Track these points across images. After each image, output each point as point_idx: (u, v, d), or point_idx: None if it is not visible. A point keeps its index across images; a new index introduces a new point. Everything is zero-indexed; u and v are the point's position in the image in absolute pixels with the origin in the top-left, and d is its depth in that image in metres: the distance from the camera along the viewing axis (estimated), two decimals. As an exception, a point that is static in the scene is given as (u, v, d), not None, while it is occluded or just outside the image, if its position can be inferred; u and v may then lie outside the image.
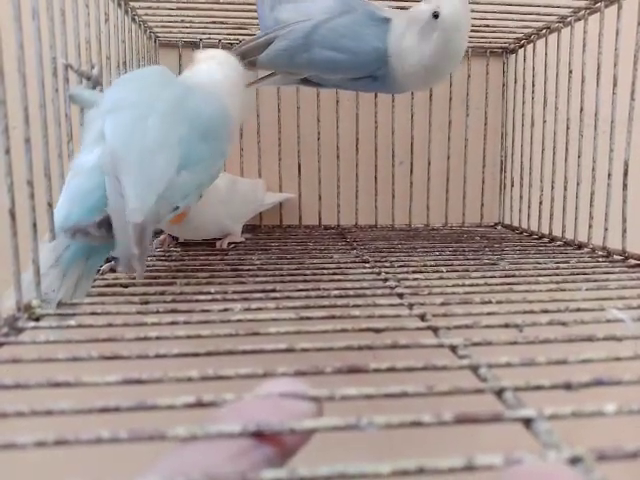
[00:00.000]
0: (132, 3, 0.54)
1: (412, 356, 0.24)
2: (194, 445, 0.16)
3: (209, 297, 0.32)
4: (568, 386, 0.19)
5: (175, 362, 0.23)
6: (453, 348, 0.24)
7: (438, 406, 0.25)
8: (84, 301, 0.33)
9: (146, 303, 0.31)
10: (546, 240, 0.60)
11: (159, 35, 0.65)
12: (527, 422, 0.17)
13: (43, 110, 0.32)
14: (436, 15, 0.45)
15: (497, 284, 0.37)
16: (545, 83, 0.61)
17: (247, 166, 0.68)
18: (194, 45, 0.66)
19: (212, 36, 0.65)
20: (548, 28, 0.61)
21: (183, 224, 0.51)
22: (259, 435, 0.16)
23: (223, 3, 0.54)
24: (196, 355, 0.22)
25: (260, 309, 0.30)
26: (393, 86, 0.51)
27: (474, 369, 0.22)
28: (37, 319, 0.30)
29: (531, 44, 0.65)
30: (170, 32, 0.64)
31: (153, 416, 0.19)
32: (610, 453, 0.15)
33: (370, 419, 0.16)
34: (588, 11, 0.54)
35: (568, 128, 0.57)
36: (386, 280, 0.38)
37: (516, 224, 0.67)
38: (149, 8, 0.56)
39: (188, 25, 0.61)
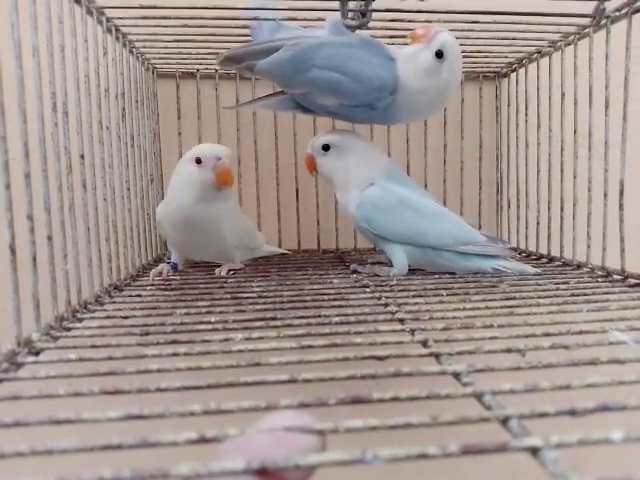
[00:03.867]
0: (130, 36, 0.55)
1: (415, 384, 0.24)
2: (197, 483, 0.16)
3: (209, 327, 0.32)
4: (573, 412, 0.19)
5: (177, 395, 0.23)
6: (456, 375, 0.24)
7: (443, 434, 0.24)
8: (84, 334, 0.33)
9: (146, 334, 0.31)
10: (545, 260, 0.60)
11: (157, 66, 0.66)
12: (534, 451, 0.17)
13: (43, 144, 0.32)
14: (439, 54, 0.48)
15: (498, 307, 0.37)
16: (538, 106, 0.62)
17: (245, 192, 0.68)
18: (191, 75, 0.67)
19: (209, 67, 0.66)
20: (539, 52, 0.62)
21: (192, 233, 0.54)
22: (263, 471, 0.16)
23: (219, 35, 0.55)
24: (198, 388, 0.22)
25: (261, 338, 0.29)
26: (392, 117, 0.52)
27: (478, 397, 0.21)
28: (37, 353, 0.30)
29: (523, 68, 0.66)
30: (167, 63, 0.65)
31: (155, 452, 0.19)
32: (619, 483, 0.14)
33: (375, 452, 0.16)
34: (577, 36, 0.55)
35: (562, 149, 0.57)
36: (387, 305, 0.38)
37: (514, 245, 0.67)
38: (146, 40, 0.57)
39: (185, 56, 0.62)
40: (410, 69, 0.49)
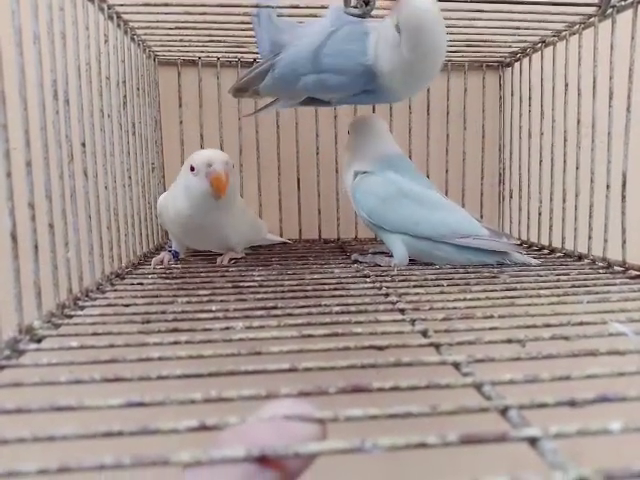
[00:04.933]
0: (131, 23, 0.55)
1: (415, 373, 0.24)
2: (197, 470, 0.16)
3: (210, 315, 0.32)
4: (572, 403, 0.19)
5: (178, 383, 0.23)
6: (456, 365, 0.24)
7: (442, 424, 0.25)
8: (86, 321, 0.33)
9: (148, 322, 0.31)
10: (546, 251, 0.60)
11: (158, 54, 0.66)
12: (533, 441, 0.17)
13: (44, 132, 0.32)
14: (398, 29, 0.45)
15: (498, 298, 0.37)
16: (542, 96, 0.61)
17: (246, 181, 0.68)
18: (193, 63, 0.67)
19: (210, 54, 0.65)
20: (543, 42, 0.61)
21: (194, 233, 0.53)
22: (263, 459, 0.16)
23: (221, 22, 0.55)
24: (199, 376, 0.22)
25: (262, 327, 0.29)
26: (387, 96, 0.52)
27: (478, 387, 0.21)
28: (39, 340, 0.30)
29: (527, 58, 0.65)
30: (169, 51, 0.65)
31: (156, 440, 0.19)
32: (618, 473, 0.15)
33: (375, 441, 0.16)
34: (582, 26, 0.54)
35: (565, 140, 0.57)
36: (387, 295, 0.38)
37: (516, 236, 0.67)
38: (148, 28, 0.56)
39: (187, 44, 0.62)
40: (380, 43, 0.47)
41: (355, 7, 0.48)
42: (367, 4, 0.47)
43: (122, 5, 0.50)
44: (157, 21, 0.54)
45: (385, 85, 0.49)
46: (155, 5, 0.50)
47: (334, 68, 0.48)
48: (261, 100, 0.59)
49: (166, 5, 0.50)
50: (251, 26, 0.56)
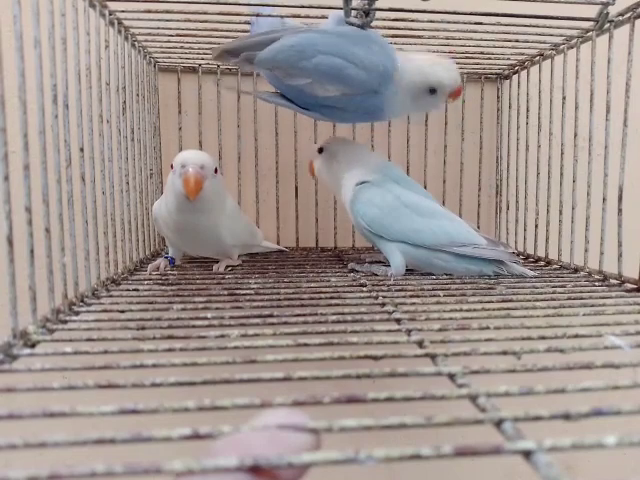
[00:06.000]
0: (132, 30, 0.55)
1: (410, 384, 0.24)
2: (190, 479, 0.16)
3: (206, 322, 0.32)
4: (567, 416, 0.19)
5: (171, 391, 0.23)
6: (451, 376, 0.24)
7: (437, 435, 0.24)
8: (80, 327, 0.33)
9: (142, 329, 0.31)
10: (542, 263, 0.60)
11: (159, 60, 0.66)
12: (527, 454, 0.17)
13: (43, 137, 0.32)
14: (433, 91, 0.49)
15: (494, 309, 0.37)
16: (539, 108, 0.62)
17: (244, 189, 0.68)
18: (193, 70, 0.67)
19: (211, 62, 0.66)
20: (541, 55, 0.62)
21: (187, 236, 0.53)
22: (256, 469, 0.16)
23: (222, 30, 0.55)
24: (192, 384, 0.22)
25: (257, 335, 0.29)
26: (391, 108, 0.51)
27: (473, 398, 0.21)
28: (33, 345, 0.30)
29: (525, 70, 0.66)
30: (169, 57, 0.65)
31: (149, 447, 0.19)
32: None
33: (369, 452, 0.16)
34: (580, 40, 0.55)
35: (562, 152, 0.57)
36: (384, 305, 0.38)
37: (512, 247, 0.67)
38: (149, 34, 0.57)
39: (187, 51, 0.62)
40: (406, 77, 0.50)
41: (355, 17, 0.48)
42: (367, 15, 0.48)
43: (123, 11, 0.50)
44: (158, 28, 0.54)
45: (396, 95, 0.50)
46: (156, 12, 0.50)
47: (358, 58, 0.47)
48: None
49: (167, 12, 0.50)
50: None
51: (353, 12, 0.48)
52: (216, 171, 0.51)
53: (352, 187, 0.55)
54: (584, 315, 0.35)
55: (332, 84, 0.49)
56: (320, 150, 0.59)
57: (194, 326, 0.32)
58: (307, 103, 0.52)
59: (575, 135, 0.55)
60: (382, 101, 0.50)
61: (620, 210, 0.49)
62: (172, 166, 0.50)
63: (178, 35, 0.57)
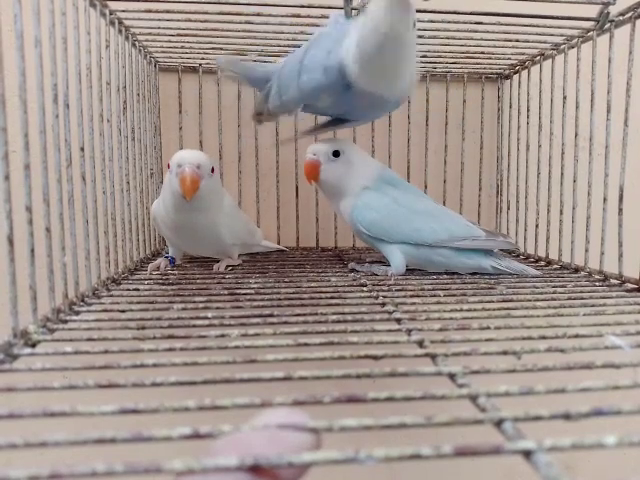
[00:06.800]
0: (133, 29, 0.55)
1: (410, 384, 0.24)
2: (190, 478, 0.16)
3: (206, 322, 0.32)
4: (567, 416, 0.19)
5: (172, 390, 0.23)
6: (452, 376, 0.24)
7: (437, 434, 0.24)
8: (81, 326, 0.33)
9: (143, 329, 0.31)
10: (543, 263, 0.60)
11: (159, 60, 0.66)
12: (527, 454, 0.17)
13: (43, 136, 0.32)
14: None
15: (495, 309, 0.37)
16: (540, 108, 0.62)
17: (245, 188, 0.68)
18: (194, 70, 0.67)
19: (211, 62, 0.66)
20: (542, 55, 0.62)
21: (186, 235, 0.53)
22: (256, 468, 0.16)
23: (222, 30, 0.55)
24: (193, 384, 0.22)
25: (257, 335, 0.29)
26: (358, 93, 0.45)
27: (473, 398, 0.21)
28: (33, 345, 0.30)
29: (525, 70, 0.66)
30: (170, 57, 0.65)
31: (149, 447, 0.19)
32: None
33: (369, 452, 0.16)
34: (581, 39, 0.55)
35: (563, 152, 0.57)
36: (384, 304, 0.38)
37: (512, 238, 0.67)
38: (149, 34, 0.57)
39: (188, 51, 0.62)
40: (351, 45, 0.42)
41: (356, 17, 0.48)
42: (368, 14, 0.48)
43: (124, 11, 0.50)
44: (158, 28, 0.54)
45: (357, 82, 0.44)
46: (157, 12, 0.50)
47: (307, 68, 0.46)
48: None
49: (168, 12, 0.50)
50: (252, 34, 0.56)
51: (354, 12, 0.48)
52: (213, 170, 0.51)
53: (358, 192, 0.54)
54: (584, 315, 0.35)
55: (312, 99, 0.48)
56: (336, 153, 0.55)
57: (194, 326, 0.32)
58: (337, 117, 0.52)
59: (576, 135, 0.55)
60: (352, 92, 0.45)
61: (621, 210, 0.49)
62: (169, 165, 0.50)
63: (179, 35, 0.57)
